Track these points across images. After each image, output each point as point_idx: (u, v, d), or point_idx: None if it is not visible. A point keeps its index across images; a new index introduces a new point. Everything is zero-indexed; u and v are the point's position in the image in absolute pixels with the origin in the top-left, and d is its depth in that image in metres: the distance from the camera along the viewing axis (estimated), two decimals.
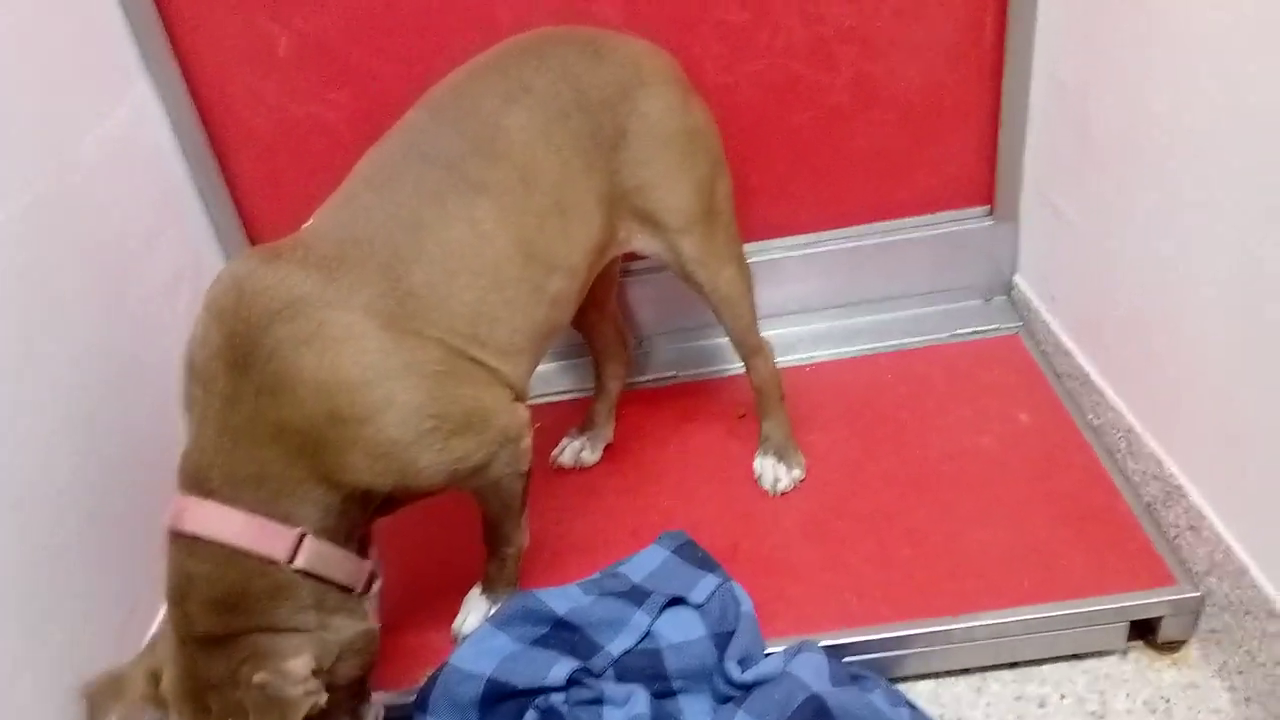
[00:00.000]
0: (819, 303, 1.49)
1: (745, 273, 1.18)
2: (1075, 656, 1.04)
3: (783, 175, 1.42)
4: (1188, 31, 0.94)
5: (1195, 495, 1.02)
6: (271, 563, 0.82)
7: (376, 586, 0.93)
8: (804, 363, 1.44)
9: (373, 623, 0.90)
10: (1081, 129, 1.19)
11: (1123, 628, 1.02)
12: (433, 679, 1.00)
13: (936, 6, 1.29)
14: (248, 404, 0.81)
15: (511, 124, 0.98)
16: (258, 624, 0.82)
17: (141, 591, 1.10)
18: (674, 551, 1.13)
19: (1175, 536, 1.05)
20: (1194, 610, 1.00)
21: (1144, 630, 1.03)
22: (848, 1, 1.28)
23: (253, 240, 1.42)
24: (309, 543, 0.84)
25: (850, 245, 1.45)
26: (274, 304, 0.83)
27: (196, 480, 0.83)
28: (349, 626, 0.86)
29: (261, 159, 1.37)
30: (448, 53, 1.30)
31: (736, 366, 1.43)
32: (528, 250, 0.96)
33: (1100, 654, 1.04)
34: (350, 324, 0.84)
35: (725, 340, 1.31)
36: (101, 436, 1.08)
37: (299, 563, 0.83)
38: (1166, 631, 1.02)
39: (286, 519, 0.83)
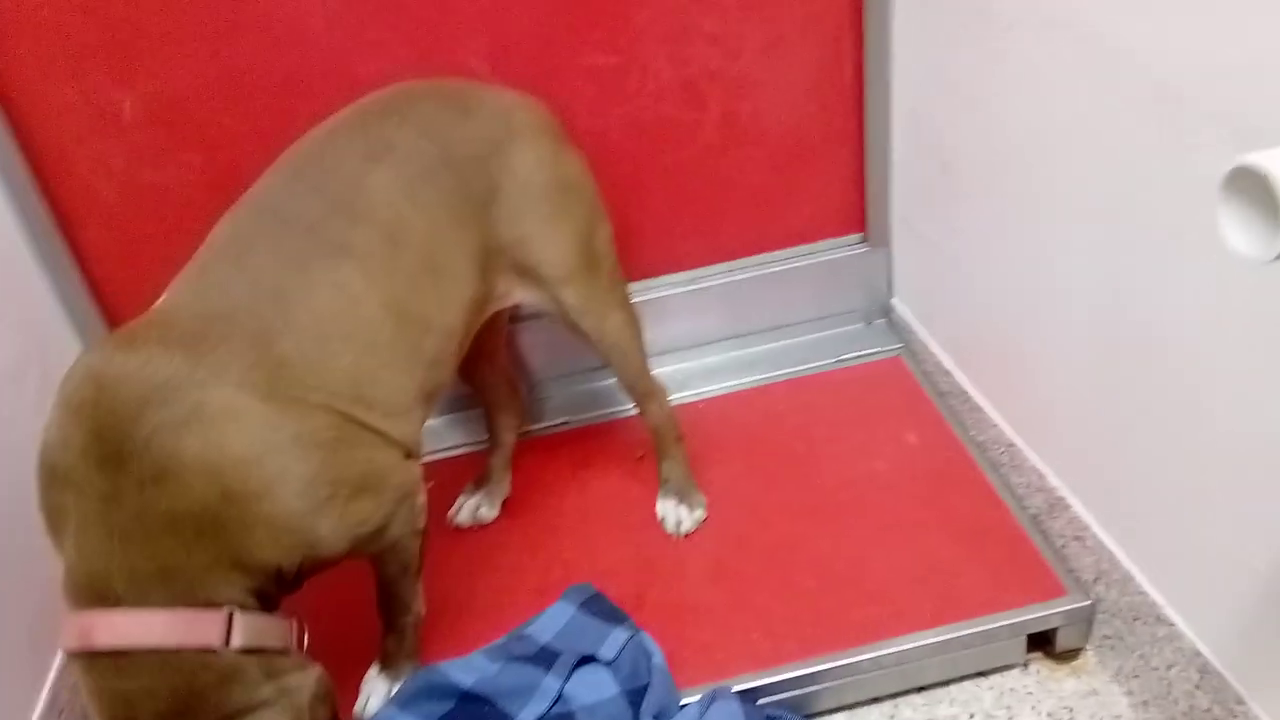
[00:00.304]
0: (707, 337, 1.50)
1: (632, 317, 1.17)
2: (980, 674, 1.06)
3: (661, 214, 1.42)
4: (1027, 65, 0.98)
5: (1077, 506, 1.06)
6: (209, 652, 0.78)
7: (305, 640, 0.90)
8: (697, 398, 1.44)
9: (319, 665, 0.87)
10: (941, 158, 1.23)
11: (1021, 641, 1.05)
12: None
13: (797, 47, 1.32)
14: (132, 499, 0.76)
15: (374, 183, 0.95)
16: (219, 718, 0.78)
17: None
18: (580, 607, 1.11)
19: (1063, 546, 1.09)
20: (1087, 618, 1.04)
21: (1042, 641, 1.06)
22: (712, 44, 1.30)
23: (109, 317, 1.34)
24: (239, 619, 0.79)
25: (733, 279, 1.47)
26: (141, 390, 0.78)
27: (94, 592, 0.77)
28: (305, 680, 0.83)
29: (113, 229, 1.29)
30: (306, 109, 1.26)
31: (632, 408, 1.43)
32: (399, 311, 0.93)
33: (1003, 669, 1.06)
34: (228, 400, 0.80)
35: (608, 384, 1.30)
36: None
37: (236, 642, 0.79)
38: (1063, 641, 1.05)
39: (208, 605, 0.79)
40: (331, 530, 0.85)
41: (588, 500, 1.31)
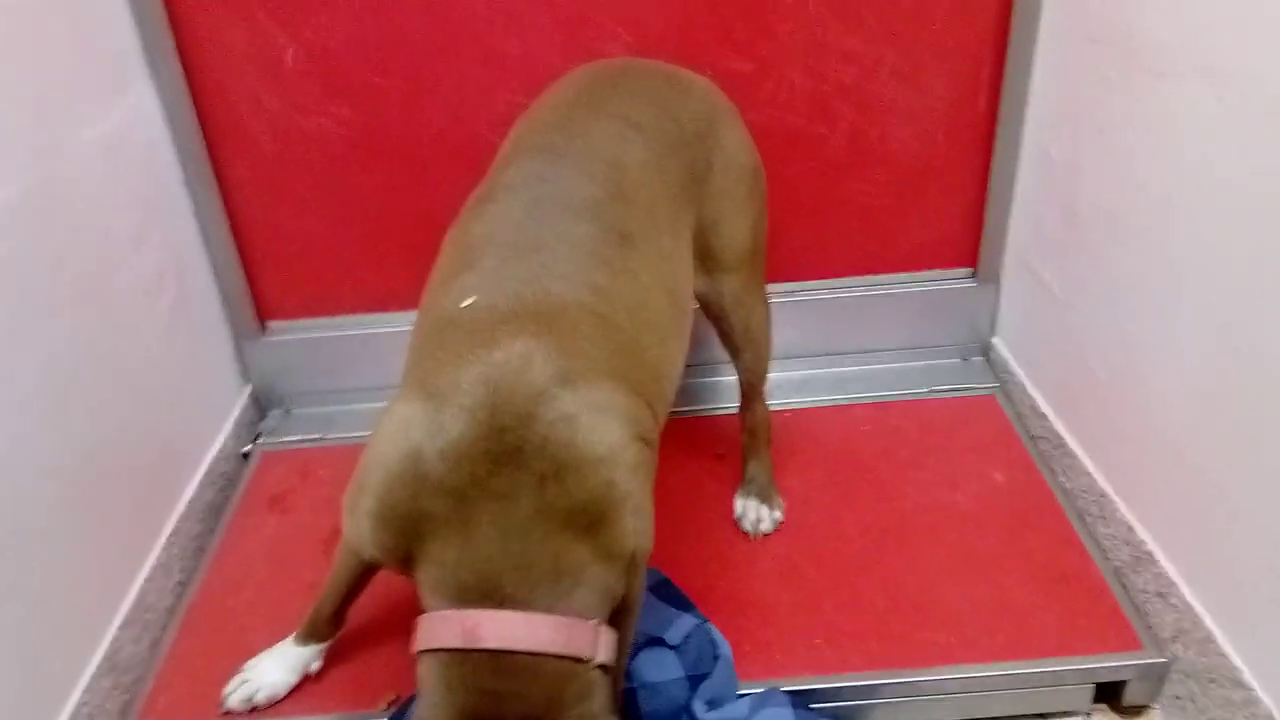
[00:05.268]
0: (801, 350, 1.51)
1: (770, 313, 1.18)
2: (1041, 716, 1.05)
3: (775, 223, 1.43)
4: (1178, 114, 0.98)
5: (1165, 562, 1.04)
6: (581, 662, 0.75)
7: None
8: (784, 408, 1.45)
9: None
10: (1067, 202, 1.23)
11: (1089, 689, 1.04)
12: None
13: (933, 73, 1.33)
14: (530, 497, 0.74)
15: (631, 161, 0.93)
16: None
17: (108, 574, 1.10)
18: (650, 589, 1.12)
19: (1144, 602, 1.07)
20: (1159, 675, 1.02)
21: (1109, 693, 1.05)
22: (848, 60, 1.32)
23: (242, 248, 1.41)
24: (604, 633, 0.77)
25: (835, 296, 1.48)
26: (530, 390, 0.75)
27: (481, 592, 0.75)
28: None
29: (257, 166, 1.37)
30: (450, 78, 1.32)
31: (710, 407, 1.44)
32: (671, 295, 0.90)
33: (1065, 714, 1.05)
34: (606, 392, 0.78)
35: (699, 381, 1.28)
36: (74, 428, 1.06)
37: (600, 657, 0.76)
38: (1131, 695, 1.04)
39: (582, 612, 0.76)
40: (651, 519, 0.81)
41: (663, 492, 1.31)
